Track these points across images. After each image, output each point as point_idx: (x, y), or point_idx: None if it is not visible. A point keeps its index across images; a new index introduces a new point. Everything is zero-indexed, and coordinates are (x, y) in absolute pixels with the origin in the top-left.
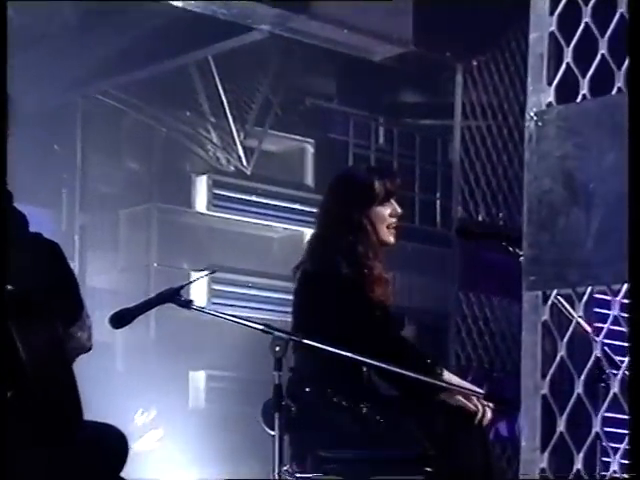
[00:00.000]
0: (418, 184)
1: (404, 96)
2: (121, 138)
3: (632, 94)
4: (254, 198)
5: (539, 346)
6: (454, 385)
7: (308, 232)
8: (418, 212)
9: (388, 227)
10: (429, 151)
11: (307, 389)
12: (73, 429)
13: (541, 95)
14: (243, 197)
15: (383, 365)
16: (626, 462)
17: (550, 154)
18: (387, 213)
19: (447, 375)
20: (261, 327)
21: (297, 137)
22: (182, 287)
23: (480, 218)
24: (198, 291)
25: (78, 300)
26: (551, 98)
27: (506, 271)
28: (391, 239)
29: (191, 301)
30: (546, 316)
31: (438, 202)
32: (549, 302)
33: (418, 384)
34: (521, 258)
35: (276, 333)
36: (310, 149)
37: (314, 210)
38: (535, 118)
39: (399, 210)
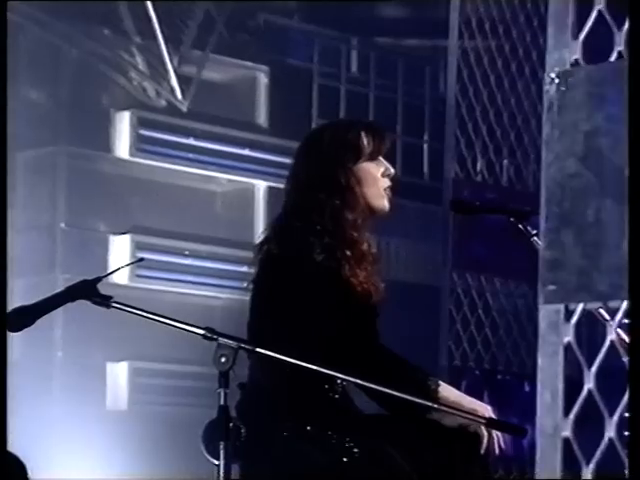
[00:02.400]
0: (401, 124)
1: (383, 9)
2: (20, 61)
3: None
4: (191, 141)
5: (560, 376)
6: (452, 407)
7: (261, 185)
8: (401, 159)
9: (382, 191)
10: (415, 82)
11: (262, 409)
12: None
13: (564, 51)
14: (177, 140)
15: (359, 381)
16: None
17: (576, 127)
18: (379, 172)
19: (444, 389)
20: (202, 332)
21: (247, 63)
22: (99, 280)
23: (478, 168)
24: (118, 260)
25: None
26: (578, 55)
27: (512, 248)
28: (385, 205)
29: (110, 298)
30: (570, 337)
31: (425, 147)
32: (573, 319)
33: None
34: (534, 238)
35: (221, 339)
36: (263, 79)
37: (268, 157)
38: (557, 81)
39: (392, 170)
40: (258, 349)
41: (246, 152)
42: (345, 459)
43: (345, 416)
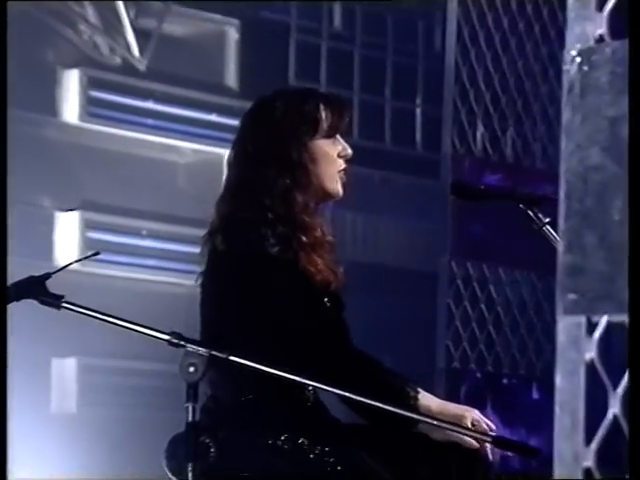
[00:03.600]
0: (390, 86)
1: None
2: None
3: None
4: (150, 105)
5: (581, 398)
6: (434, 417)
7: (227, 154)
8: (389, 127)
9: (337, 173)
10: (406, 38)
11: (230, 422)
12: None
13: (587, 25)
14: (133, 103)
15: (328, 388)
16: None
17: (600, 113)
18: (335, 152)
19: (425, 399)
20: (166, 337)
21: (214, 16)
22: (48, 277)
23: (480, 141)
24: (65, 241)
25: None
26: (603, 30)
27: (519, 232)
28: (339, 189)
29: (60, 297)
30: (592, 353)
31: (418, 112)
32: (596, 333)
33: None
34: (546, 227)
35: (190, 346)
36: (233, 34)
37: (238, 123)
38: (578, 59)
39: (349, 151)
40: (233, 357)
41: (213, 118)
42: (320, 470)
43: (319, 425)
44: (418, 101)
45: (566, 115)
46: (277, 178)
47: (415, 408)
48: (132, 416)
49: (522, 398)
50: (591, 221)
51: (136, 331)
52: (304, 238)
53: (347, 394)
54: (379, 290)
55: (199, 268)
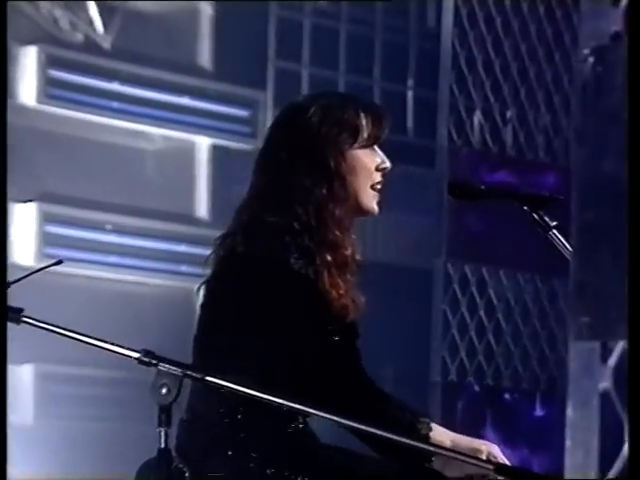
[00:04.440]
0: (379, 67)
1: None
2: None
3: None
4: (115, 86)
5: (595, 432)
6: (448, 450)
7: (203, 143)
8: None
9: (373, 187)
10: (396, 14)
11: (209, 448)
12: None
13: (602, 21)
14: (97, 84)
15: (334, 418)
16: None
17: (615, 118)
18: (373, 164)
19: (438, 434)
20: (136, 355)
21: None
22: (7, 286)
23: (479, 132)
24: (23, 236)
25: None
26: (618, 26)
27: (522, 232)
28: (374, 206)
29: (20, 310)
30: (607, 382)
31: (410, 95)
32: (612, 360)
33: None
34: (552, 232)
35: (162, 365)
36: (207, 9)
37: (213, 108)
38: (592, 59)
39: (388, 163)
40: (209, 378)
41: (185, 101)
42: None
43: (304, 453)
44: (410, 83)
45: (578, 119)
46: (313, 188)
47: (426, 442)
48: (96, 430)
49: (525, 414)
50: (606, 237)
51: (102, 348)
52: (329, 257)
53: (352, 424)
54: (364, 293)
55: (167, 266)
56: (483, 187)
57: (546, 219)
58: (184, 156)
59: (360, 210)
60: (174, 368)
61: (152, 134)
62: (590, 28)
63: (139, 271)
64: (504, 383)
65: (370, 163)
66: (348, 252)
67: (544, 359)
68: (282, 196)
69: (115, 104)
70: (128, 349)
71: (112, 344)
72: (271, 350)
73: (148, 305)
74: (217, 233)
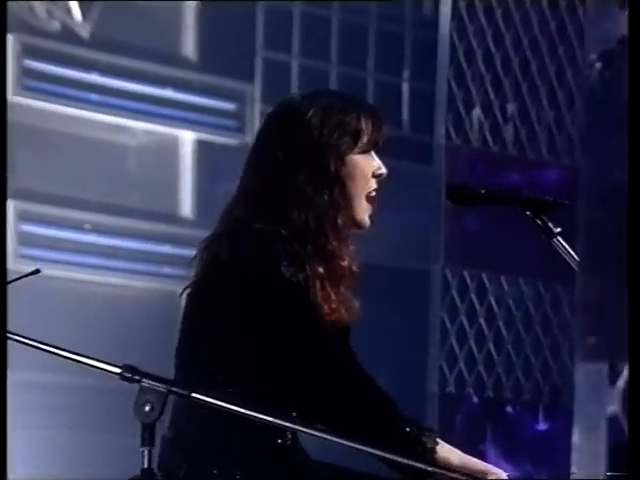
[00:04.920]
0: (372, 58)
1: None
2: None
3: None
4: (94, 77)
5: (602, 457)
6: (455, 470)
7: (187, 137)
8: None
9: (368, 195)
10: (392, 1)
11: (194, 467)
12: None
13: (609, 24)
14: (75, 75)
15: (328, 437)
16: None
17: (624, 127)
18: (370, 170)
19: (444, 452)
20: (118, 371)
21: None
22: None
23: (479, 130)
24: None
25: None
26: (626, 30)
27: (524, 235)
28: (367, 220)
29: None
30: (615, 406)
31: (405, 87)
32: (620, 382)
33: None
34: (557, 238)
35: (145, 382)
36: None
37: (198, 100)
38: (599, 64)
39: (384, 169)
40: (195, 395)
41: (168, 93)
42: None
43: (291, 470)
44: (405, 75)
45: (585, 128)
46: (314, 194)
47: (433, 461)
48: (76, 440)
49: (527, 428)
50: (614, 253)
51: (83, 363)
52: (322, 268)
53: (347, 443)
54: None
55: (150, 267)
56: (483, 191)
57: (550, 225)
58: (167, 151)
59: (352, 221)
60: (158, 384)
61: (133, 128)
62: (597, 32)
63: (119, 273)
64: (505, 395)
65: (367, 169)
66: (345, 263)
67: (547, 369)
68: (277, 200)
69: (94, 96)
70: (109, 364)
71: (92, 359)
72: (260, 363)
73: (129, 308)
74: (202, 233)
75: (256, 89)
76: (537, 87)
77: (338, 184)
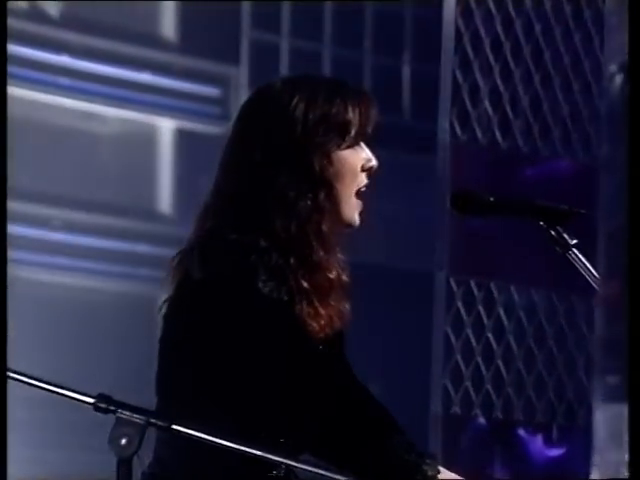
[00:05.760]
0: (370, 38)
1: None
2: None
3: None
4: (64, 60)
5: None
6: None
7: (166, 126)
8: (368, 88)
9: (357, 192)
10: None
11: None
12: None
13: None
14: (43, 57)
15: (311, 469)
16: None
17: None
18: (359, 164)
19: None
20: (91, 401)
21: None
22: None
23: (486, 126)
24: None
25: None
26: None
27: (537, 244)
28: (356, 218)
29: None
30: None
31: (406, 71)
32: None
33: None
34: (573, 250)
35: (121, 412)
36: None
37: (178, 85)
38: (619, 76)
39: (374, 162)
40: (176, 427)
41: (145, 77)
42: None
43: None
44: (406, 56)
45: (605, 146)
46: (297, 199)
47: None
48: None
49: (540, 452)
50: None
51: (52, 392)
52: (307, 282)
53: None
54: (353, 298)
55: (126, 269)
56: (492, 199)
57: (565, 236)
58: (144, 141)
59: (341, 222)
60: (136, 415)
61: (106, 115)
62: (617, 41)
63: (91, 274)
64: (516, 416)
65: (356, 163)
66: (332, 275)
67: (562, 388)
68: (256, 207)
69: (64, 80)
70: (81, 393)
71: (61, 387)
72: (244, 390)
73: (102, 314)
74: (182, 230)
75: (242, 73)
76: (551, 78)
77: (323, 186)
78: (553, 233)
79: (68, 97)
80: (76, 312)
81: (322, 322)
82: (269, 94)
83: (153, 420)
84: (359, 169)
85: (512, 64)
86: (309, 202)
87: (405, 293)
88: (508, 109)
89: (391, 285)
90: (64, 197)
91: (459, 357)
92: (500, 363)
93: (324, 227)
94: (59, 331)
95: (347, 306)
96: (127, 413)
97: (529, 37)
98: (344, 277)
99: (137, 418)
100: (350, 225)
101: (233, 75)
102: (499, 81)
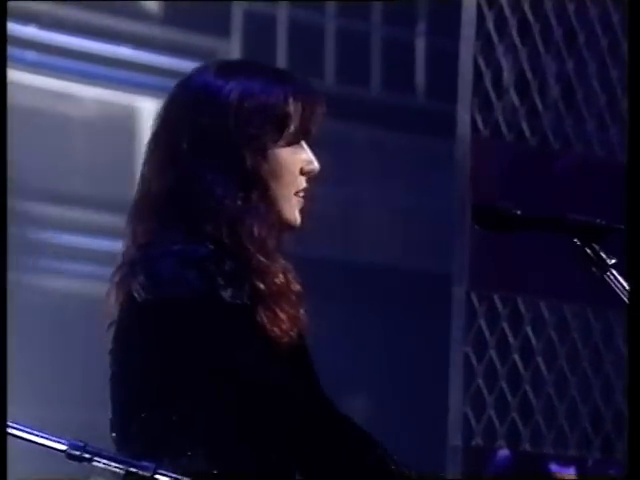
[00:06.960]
0: (378, 8)
1: None
2: None
3: None
4: (32, 31)
5: None
6: None
7: (147, 107)
8: (378, 65)
9: (297, 193)
10: None
11: None
12: None
13: None
14: (10, 30)
15: None
16: None
17: None
18: (297, 166)
19: None
20: (63, 448)
21: None
22: None
23: (509, 113)
24: None
25: None
26: None
27: (568, 254)
28: (297, 217)
29: None
30: None
31: (420, 44)
32: None
33: None
34: (611, 271)
35: (98, 460)
36: None
37: (161, 61)
38: None
39: (316, 164)
40: (158, 476)
41: (125, 52)
42: None
43: None
44: (420, 28)
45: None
46: (224, 198)
47: None
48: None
49: None
50: None
51: (23, 439)
52: (262, 285)
53: None
54: (357, 311)
55: (101, 269)
56: (519, 212)
57: (602, 255)
58: (123, 125)
59: (281, 224)
60: (112, 463)
61: (81, 96)
62: None
63: (66, 276)
64: (545, 448)
65: (295, 165)
66: (279, 280)
67: (597, 416)
68: (187, 207)
69: (31, 55)
70: (52, 440)
71: (34, 434)
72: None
73: (79, 321)
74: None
75: (233, 47)
76: (585, 65)
77: (257, 185)
78: (589, 251)
79: (36, 74)
80: (49, 317)
81: (283, 327)
82: (201, 78)
83: (133, 469)
84: (298, 171)
85: (542, 50)
86: (239, 202)
87: (419, 302)
88: (537, 101)
89: (404, 292)
90: (33, 189)
91: (481, 382)
92: (528, 388)
93: (256, 230)
94: (27, 336)
95: (303, 313)
96: (103, 461)
97: (561, 18)
98: (294, 286)
99: (115, 466)
100: (290, 225)
101: (223, 49)
102: (527, 68)
